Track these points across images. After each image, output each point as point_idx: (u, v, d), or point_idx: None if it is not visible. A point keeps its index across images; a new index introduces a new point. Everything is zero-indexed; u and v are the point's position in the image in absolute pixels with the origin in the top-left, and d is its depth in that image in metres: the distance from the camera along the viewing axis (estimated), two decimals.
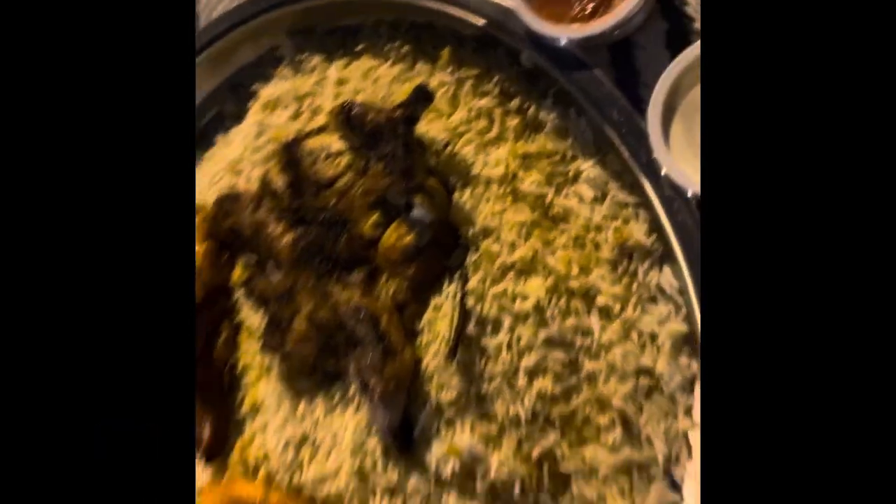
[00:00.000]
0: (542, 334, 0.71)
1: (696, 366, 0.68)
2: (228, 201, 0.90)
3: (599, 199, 0.74)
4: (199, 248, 0.92)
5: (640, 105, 0.70)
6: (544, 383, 0.70)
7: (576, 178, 0.76)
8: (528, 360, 0.71)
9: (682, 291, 0.69)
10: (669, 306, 0.70)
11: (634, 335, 0.70)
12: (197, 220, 0.94)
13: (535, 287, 0.72)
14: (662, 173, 0.67)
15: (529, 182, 0.75)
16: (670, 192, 0.67)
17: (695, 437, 0.67)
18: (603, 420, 0.70)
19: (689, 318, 0.68)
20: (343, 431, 0.78)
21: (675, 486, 0.68)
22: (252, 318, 0.89)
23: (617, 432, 0.69)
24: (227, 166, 0.96)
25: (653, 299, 0.71)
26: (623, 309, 0.71)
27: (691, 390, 0.68)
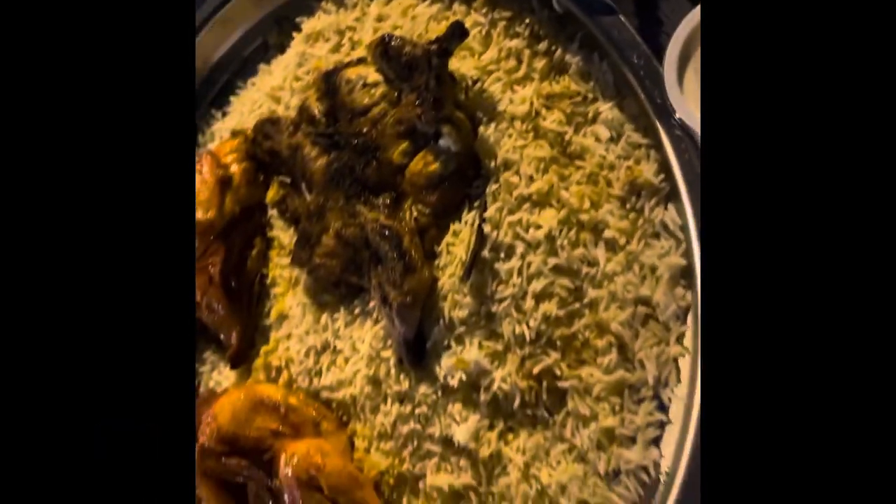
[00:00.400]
0: (552, 262, 0.76)
1: (690, 297, 0.73)
2: (269, 124, 0.96)
3: (615, 139, 0.78)
4: (238, 168, 0.98)
5: (660, 53, 0.74)
6: (549, 307, 0.75)
7: (594, 118, 0.80)
8: (537, 285, 0.76)
9: (684, 228, 0.73)
10: (671, 241, 0.74)
11: (636, 267, 0.75)
12: (237, 141, 1.00)
13: (549, 218, 0.77)
14: (676, 116, 0.72)
15: (551, 120, 0.80)
16: (680, 133, 0.72)
17: (684, 363, 0.72)
18: (601, 343, 0.75)
19: (687, 253, 0.73)
20: (361, 342, 0.85)
21: (663, 408, 0.73)
22: (283, 234, 0.95)
23: (613, 355, 0.74)
24: (268, 93, 1.02)
25: (656, 235, 0.75)
26: (628, 242, 0.76)
27: (684, 319, 0.73)
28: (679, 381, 0.73)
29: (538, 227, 0.77)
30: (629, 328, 0.74)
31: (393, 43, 0.83)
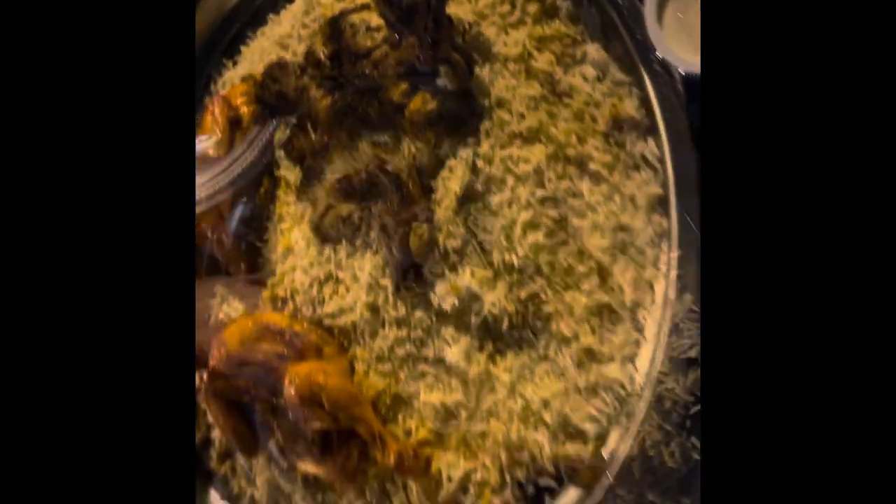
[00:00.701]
0: (539, 194, 0.81)
1: (665, 223, 0.78)
2: (277, 68, 1.01)
3: (601, 78, 0.83)
4: (248, 110, 1.03)
5: None
6: (536, 236, 0.80)
7: (582, 59, 0.85)
8: (525, 216, 0.80)
9: (661, 160, 0.78)
10: (649, 172, 0.79)
11: (617, 197, 0.80)
12: (247, 85, 1.05)
13: (538, 153, 0.81)
14: (659, 55, 0.76)
15: (542, 61, 0.85)
16: (659, 69, 0.76)
17: (658, 285, 0.77)
18: (583, 269, 0.80)
19: (664, 182, 0.78)
20: (361, 271, 0.90)
21: (638, 328, 0.78)
22: (290, 174, 1.00)
23: (593, 280, 0.79)
24: (277, 41, 1.06)
25: (636, 167, 0.80)
26: (610, 174, 0.81)
27: (659, 244, 0.78)
28: (653, 301, 0.77)
29: (527, 161, 0.81)
30: (609, 254, 0.79)
31: None
